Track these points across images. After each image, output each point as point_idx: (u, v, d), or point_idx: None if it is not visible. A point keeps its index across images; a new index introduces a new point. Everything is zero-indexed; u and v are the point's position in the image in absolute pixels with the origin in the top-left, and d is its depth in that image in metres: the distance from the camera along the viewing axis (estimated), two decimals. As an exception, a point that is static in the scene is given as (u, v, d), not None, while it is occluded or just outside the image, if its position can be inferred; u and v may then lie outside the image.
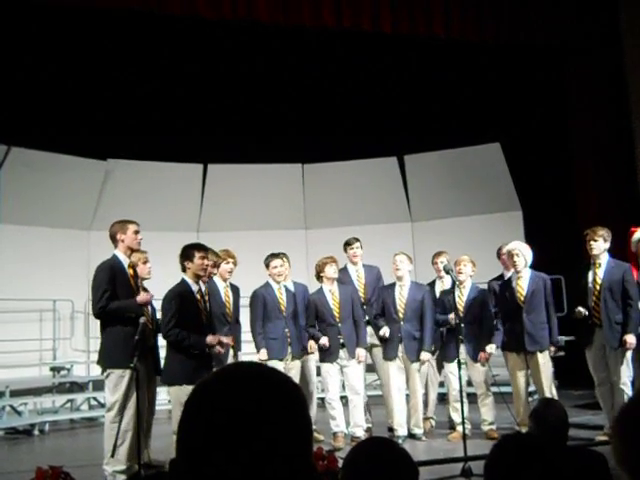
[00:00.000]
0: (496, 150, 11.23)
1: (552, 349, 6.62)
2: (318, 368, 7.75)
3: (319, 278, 6.93)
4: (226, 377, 1.08)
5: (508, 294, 6.64)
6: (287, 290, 6.94)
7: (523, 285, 6.59)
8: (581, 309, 6.32)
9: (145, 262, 6.17)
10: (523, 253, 6.62)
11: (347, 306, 6.80)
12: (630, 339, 6.16)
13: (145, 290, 6.04)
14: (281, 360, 6.63)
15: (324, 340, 6.67)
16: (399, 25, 9.24)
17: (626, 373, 6.23)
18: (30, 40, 9.51)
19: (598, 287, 6.36)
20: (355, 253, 7.24)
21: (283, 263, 6.93)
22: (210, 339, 5.55)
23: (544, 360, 6.51)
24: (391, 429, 6.90)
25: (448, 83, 10.89)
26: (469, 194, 11.27)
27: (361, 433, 6.66)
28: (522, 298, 6.55)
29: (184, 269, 5.66)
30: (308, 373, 7.09)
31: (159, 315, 5.86)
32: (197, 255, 5.61)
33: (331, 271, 6.80)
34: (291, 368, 6.63)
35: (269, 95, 11.03)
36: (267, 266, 6.91)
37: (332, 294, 6.82)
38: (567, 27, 9.85)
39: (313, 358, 7.16)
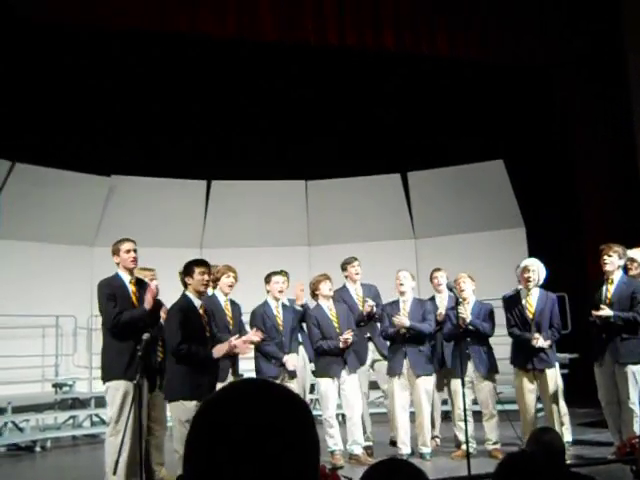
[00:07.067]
0: (499, 167, 11.25)
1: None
2: (312, 386, 7.63)
3: (314, 296, 6.91)
4: (234, 393, 1.07)
5: (517, 310, 6.60)
6: (285, 308, 6.86)
7: (533, 302, 6.56)
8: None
9: (152, 280, 6.15)
10: (538, 270, 6.58)
11: (346, 320, 6.76)
12: None
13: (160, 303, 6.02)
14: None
15: (346, 335, 6.51)
16: (403, 43, 9.31)
17: (635, 392, 6.13)
18: (34, 57, 9.57)
19: (609, 303, 6.31)
20: (357, 271, 7.29)
21: (285, 280, 6.92)
22: (219, 348, 5.52)
23: (553, 377, 6.45)
24: (393, 443, 6.81)
25: (452, 100, 10.92)
26: (472, 211, 11.28)
27: (359, 451, 6.55)
28: (531, 316, 6.52)
29: (185, 285, 5.63)
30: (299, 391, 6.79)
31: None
32: (197, 271, 5.55)
33: (326, 288, 6.78)
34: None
35: (273, 112, 11.07)
36: (268, 282, 6.81)
37: (330, 310, 6.79)
38: (567, 44, 9.94)
39: (302, 376, 6.96)
